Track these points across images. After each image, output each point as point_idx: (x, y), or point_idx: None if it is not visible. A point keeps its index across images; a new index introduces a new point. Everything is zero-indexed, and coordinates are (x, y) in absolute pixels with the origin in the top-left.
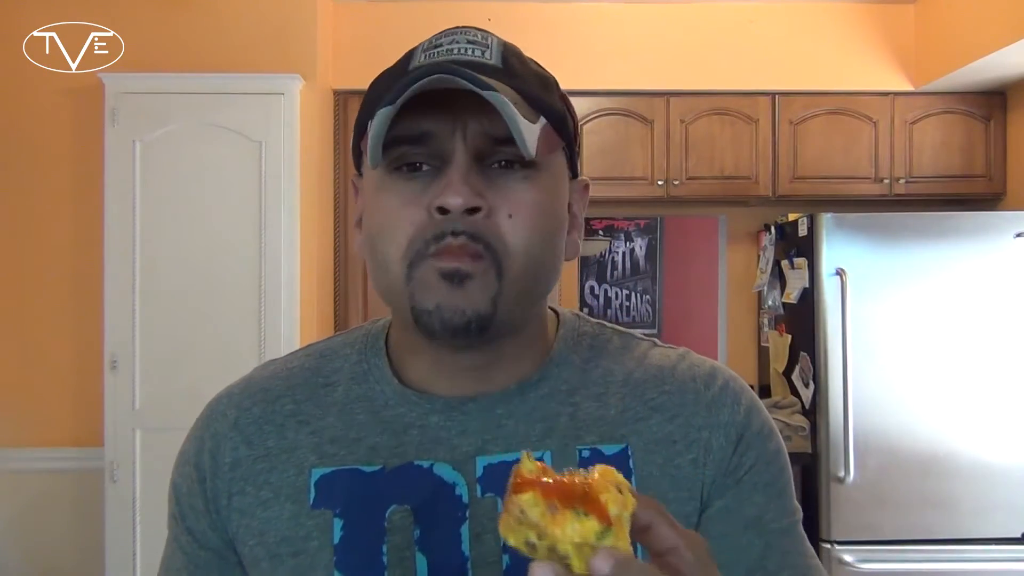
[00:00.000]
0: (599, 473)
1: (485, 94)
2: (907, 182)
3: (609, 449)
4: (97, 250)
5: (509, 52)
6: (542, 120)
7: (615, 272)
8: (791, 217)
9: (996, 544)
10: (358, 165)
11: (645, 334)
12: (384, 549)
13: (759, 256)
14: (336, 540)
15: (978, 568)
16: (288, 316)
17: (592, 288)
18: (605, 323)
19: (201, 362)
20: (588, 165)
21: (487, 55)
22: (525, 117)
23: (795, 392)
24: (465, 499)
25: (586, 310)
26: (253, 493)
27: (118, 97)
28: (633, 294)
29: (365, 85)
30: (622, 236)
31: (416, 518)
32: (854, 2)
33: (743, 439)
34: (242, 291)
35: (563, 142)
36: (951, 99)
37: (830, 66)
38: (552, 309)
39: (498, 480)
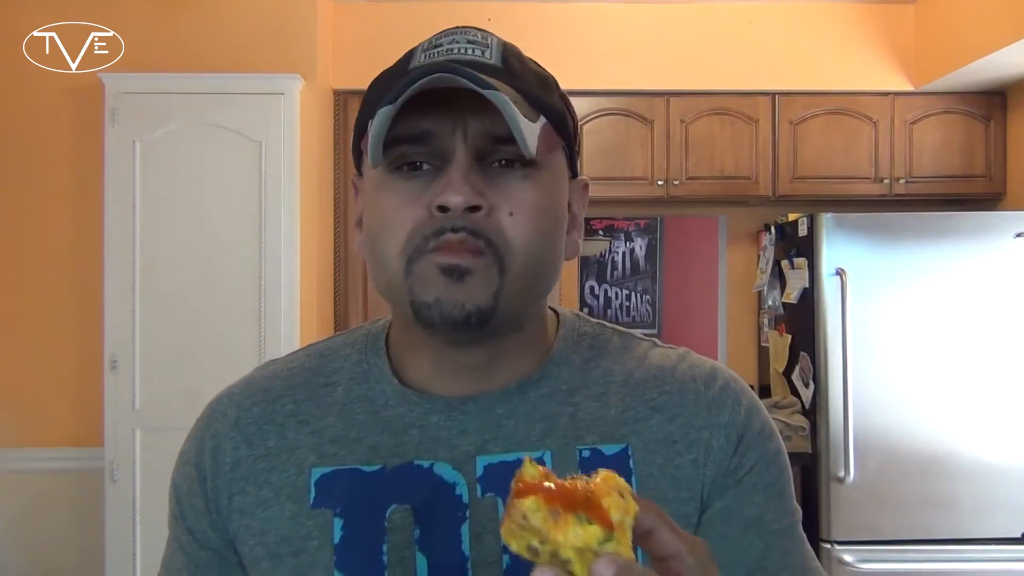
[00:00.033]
0: (601, 478)
1: (486, 93)
2: (907, 182)
3: (609, 449)
4: (97, 250)
5: (509, 52)
6: (542, 119)
7: (615, 272)
8: (791, 217)
9: (996, 544)
10: (358, 165)
11: (645, 334)
12: (384, 549)
13: (759, 256)
14: (336, 540)
15: (978, 568)
16: (288, 316)
17: (592, 288)
18: (605, 323)
19: (201, 362)
20: (588, 165)
21: (487, 55)
22: (525, 116)
23: (795, 392)
24: (465, 499)
25: (586, 310)
26: (253, 493)
27: (118, 97)
28: (633, 294)
29: (365, 85)
30: (622, 236)
31: (416, 518)
32: (854, 2)
33: (743, 440)
34: (242, 291)
35: (563, 141)
36: (951, 99)
37: (830, 66)
38: (552, 309)
39: (498, 480)
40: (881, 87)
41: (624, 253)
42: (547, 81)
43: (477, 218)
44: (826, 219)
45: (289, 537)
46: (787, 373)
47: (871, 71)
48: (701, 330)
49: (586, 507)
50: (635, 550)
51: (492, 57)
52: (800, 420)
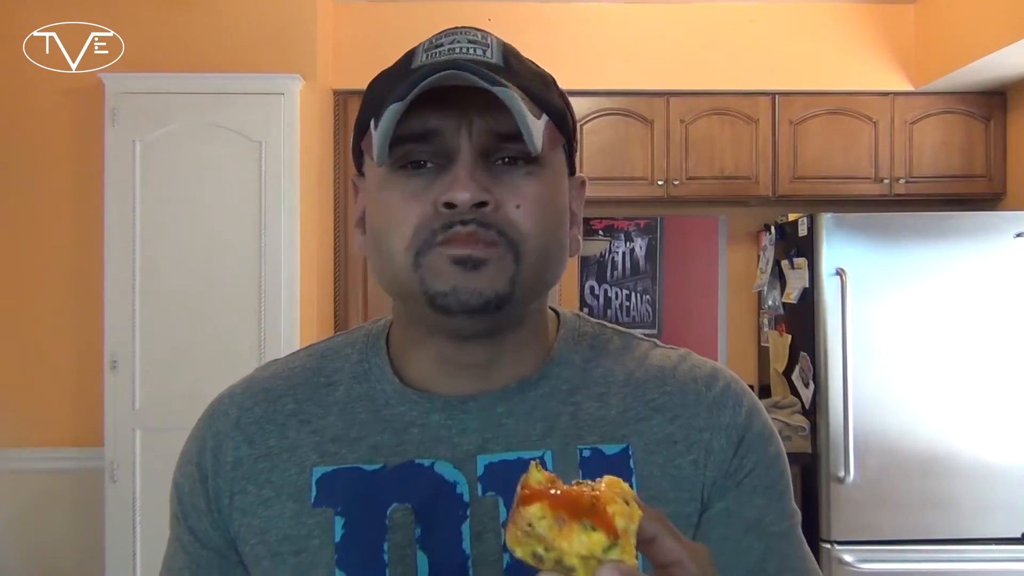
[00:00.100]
0: (606, 484)
1: (495, 90)
2: (907, 182)
3: (610, 449)
4: (97, 250)
5: (509, 51)
6: (544, 117)
7: (615, 272)
8: (791, 217)
9: (996, 544)
10: (358, 165)
11: (645, 334)
12: (385, 547)
13: (759, 256)
14: (337, 538)
15: (978, 568)
16: (288, 316)
17: (592, 288)
18: (606, 323)
19: (201, 362)
20: (588, 165)
21: (488, 54)
22: (530, 113)
23: (795, 392)
24: (466, 498)
25: (586, 310)
26: (255, 492)
27: (118, 97)
28: (633, 294)
29: (365, 85)
30: (622, 236)
31: (417, 516)
32: (854, 2)
33: (744, 441)
34: (242, 291)
35: (563, 139)
36: (951, 99)
37: (830, 66)
38: (552, 309)
39: (499, 479)
40: (881, 87)
41: (624, 253)
42: (546, 79)
43: (485, 212)
44: (826, 219)
45: (290, 536)
46: (787, 373)
47: (871, 71)
48: (701, 330)
49: (591, 514)
50: (637, 556)
51: (494, 56)
52: (800, 420)
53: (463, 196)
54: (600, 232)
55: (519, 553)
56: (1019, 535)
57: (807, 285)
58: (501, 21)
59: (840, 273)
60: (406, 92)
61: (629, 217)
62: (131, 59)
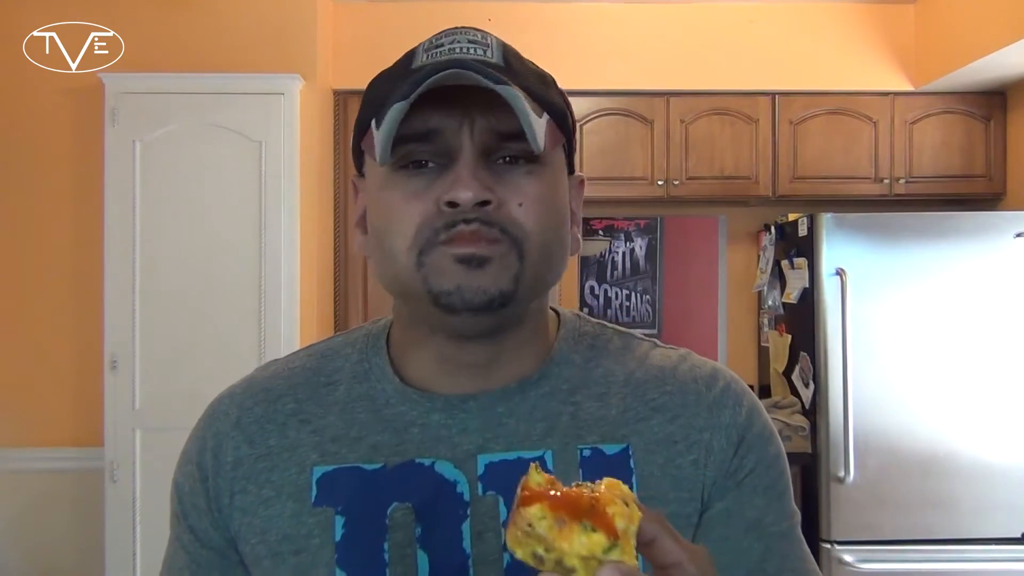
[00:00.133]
0: (606, 486)
1: (499, 88)
2: (907, 182)
3: (610, 449)
4: (97, 250)
5: (509, 51)
6: (545, 116)
7: (615, 272)
8: (791, 217)
9: (996, 544)
10: (358, 165)
11: (645, 334)
12: (385, 547)
13: (759, 256)
14: (338, 538)
15: (978, 568)
16: (288, 316)
17: (592, 288)
18: (606, 323)
19: (201, 362)
20: (588, 165)
21: (488, 54)
22: (532, 112)
23: (795, 392)
24: (466, 497)
25: (586, 310)
26: (255, 492)
27: (118, 97)
28: (633, 294)
29: (365, 85)
30: (622, 236)
31: (417, 516)
32: (854, 2)
33: (744, 441)
34: (242, 291)
35: (564, 138)
36: (951, 99)
37: (830, 66)
38: (553, 309)
39: (499, 478)
40: (881, 87)
41: (624, 253)
42: (546, 79)
43: (488, 210)
44: (826, 219)
45: (291, 535)
46: (787, 373)
47: (871, 71)
48: (701, 330)
49: (591, 515)
50: (637, 557)
51: (494, 56)
52: (800, 420)
53: (466, 195)
54: (600, 232)
55: (519, 554)
56: (1019, 535)
57: (807, 285)
58: (501, 21)
59: (840, 273)
60: (410, 91)
61: (629, 217)
62: (131, 59)
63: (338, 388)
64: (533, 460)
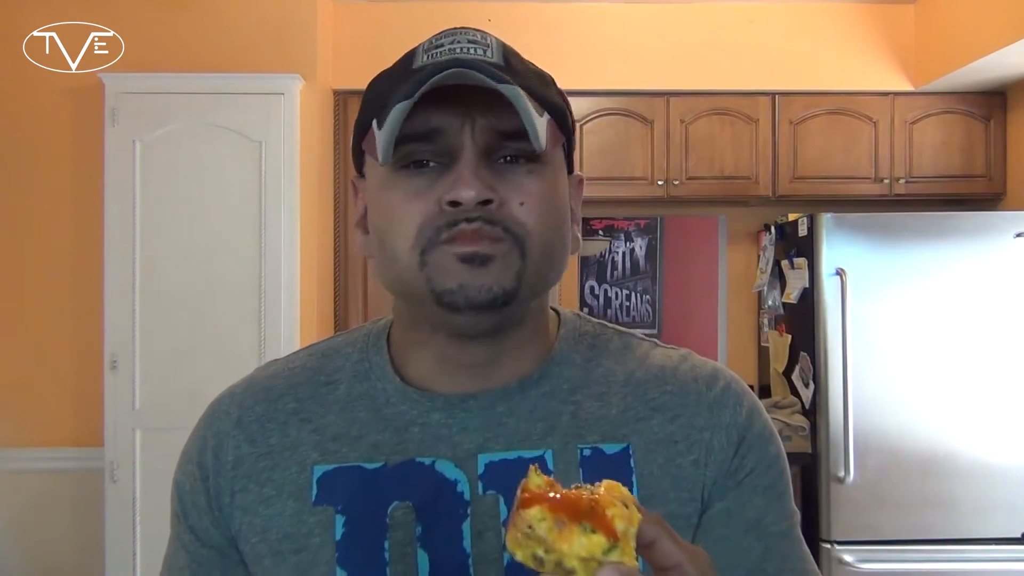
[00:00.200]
0: (605, 488)
1: (501, 87)
2: (907, 182)
3: (610, 448)
4: (97, 250)
5: (508, 51)
6: (546, 115)
7: (615, 272)
8: (791, 217)
9: (996, 544)
10: (359, 166)
11: (645, 334)
12: (386, 545)
13: (759, 256)
14: (338, 536)
15: (978, 568)
16: (288, 316)
17: (592, 288)
18: (606, 323)
19: (201, 362)
20: (588, 165)
21: (488, 54)
22: (534, 111)
23: (795, 392)
24: (467, 496)
25: (586, 310)
26: (255, 490)
27: (118, 97)
28: (633, 294)
29: (365, 85)
30: (622, 236)
31: (418, 515)
32: (854, 2)
33: (744, 441)
34: (242, 291)
35: (564, 137)
36: (951, 99)
37: (830, 66)
38: (553, 309)
39: (499, 477)
40: (881, 87)
41: (624, 253)
42: (546, 79)
43: (490, 209)
44: (826, 219)
45: (291, 534)
46: (787, 373)
47: (871, 71)
48: (701, 330)
49: (590, 517)
50: (637, 559)
51: (494, 56)
52: (800, 420)
53: (468, 194)
54: (600, 232)
55: (519, 556)
56: (1019, 535)
57: (807, 285)
58: (501, 21)
59: (840, 273)
60: (412, 90)
61: (629, 217)
62: (131, 59)
63: (339, 387)
64: (533, 459)
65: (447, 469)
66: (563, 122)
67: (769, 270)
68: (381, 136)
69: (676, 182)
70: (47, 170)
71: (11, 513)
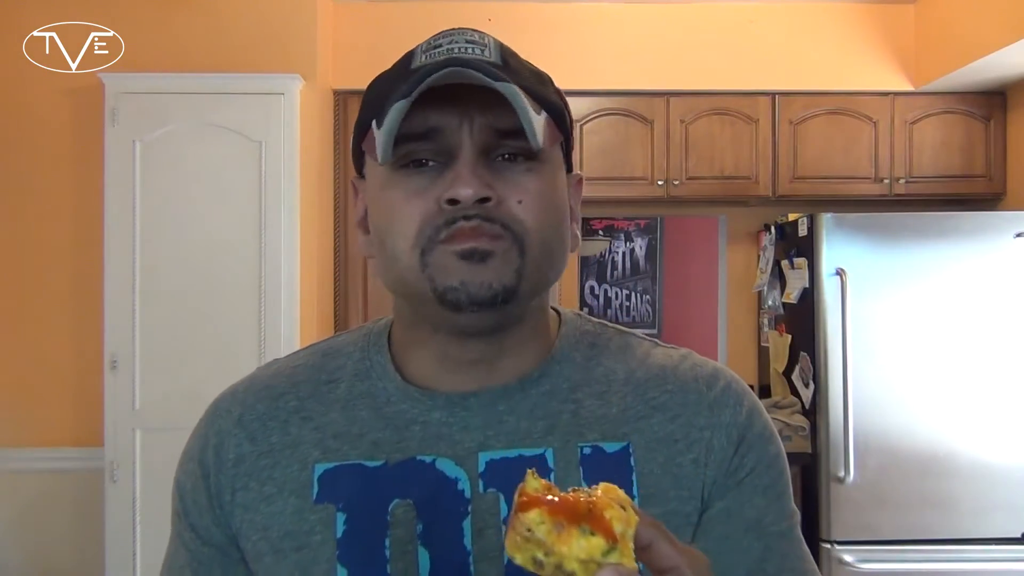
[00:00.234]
0: (602, 490)
1: (498, 85)
2: (907, 182)
3: (611, 447)
4: (97, 250)
5: (506, 51)
6: (544, 113)
7: (615, 272)
8: (791, 217)
9: (996, 544)
10: (359, 167)
11: (646, 334)
12: (387, 543)
13: (759, 256)
14: (339, 534)
15: (978, 568)
16: (288, 316)
17: (592, 288)
18: (607, 322)
19: (201, 362)
20: (588, 165)
21: (486, 53)
22: (531, 109)
23: (795, 392)
24: (467, 494)
25: (586, 310)
26: (256, 488)
27: (118, 97)
28: (633, 294)
29: (365, 85)
30: (622, 236)
31: (419, 512)
32: (854, 2)
33: (744, 440)
34: (242, 291)
35: (562, 136)
36: (951, 99)
37: (830, 66)
38: (553, 308)
39: (500, 476)
40: (881, 87)
41: (624, 253)
42: (544, 78)
43: (488, 207)
44: (826, 219)
45: (292, 532)
46: (787, 373)
47: (871, 71)
48: (701, 330)
49: (589, 519)
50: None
51: (492, 56)
52: (800, 420)
53: (466, 192)
54: (600, 232)
55: (519, 559)
56: (1019, 535)
57: (807, 285)
58: (501, 21)
59: (840, 273)
60: (410, 90)
61: (629, 217)
62: (131, 59)
63: (340, 386)
64: (534, 457)
65: (448, 467)
66: (561, 121)
67: (769, 270)
68: (380, 136)
69: (676, 182)
70: (47, 170)
71: (11, 513)
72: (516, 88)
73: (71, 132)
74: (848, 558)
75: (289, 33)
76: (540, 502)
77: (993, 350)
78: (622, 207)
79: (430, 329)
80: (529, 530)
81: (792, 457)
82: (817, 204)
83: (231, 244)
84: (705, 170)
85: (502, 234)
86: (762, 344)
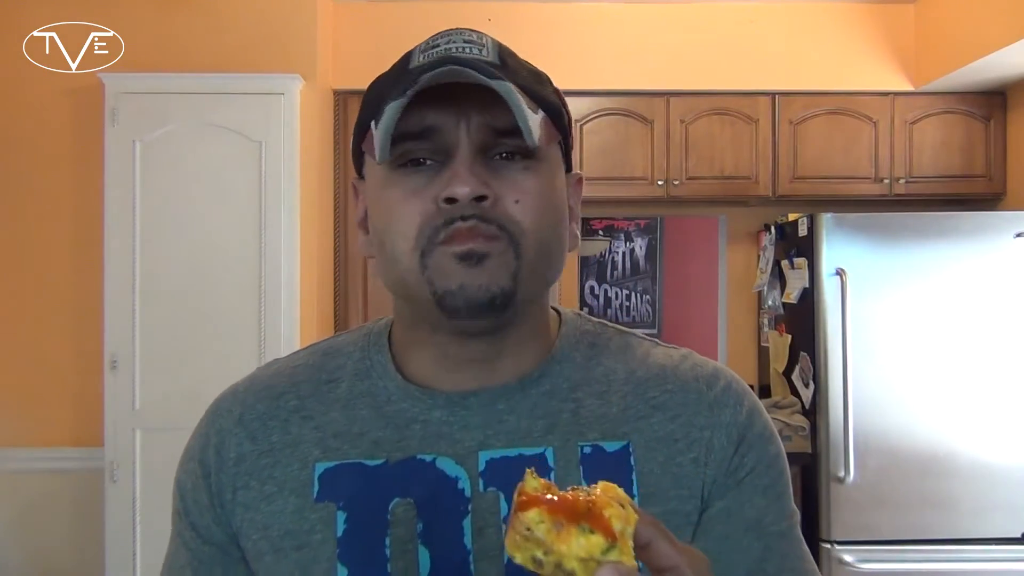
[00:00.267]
0: (601, 489)
1: (492, 83)
2: (907, 182)
3: (611, 446)
4: (97, 250)
5: (504, 51)
6: (540, 112)
7: (615, 272)
8: (791, 217)
9: (996, 544)
10: (359, 168)
11: (646, 334)
12: (387, 542)
13: (759, 256)
14: (339, 533)
15: (978, 568)
16: (288, 316)
17: (592, 288)
18: (607, 322)
19: (201, 362)
20: (588, 165)
21: (484, 53)
22: (527, 107)
23: (795, 392)
24: (468, 493)
25: (586, 310)
26: (257, 488)
27: (118, 97)
28: (633, 294)
29: (365, 85)
30: (622, 236)
31: (419, 511)
32: (854, 2)
33: (744, 440)
34: (242, 291)
35: (559, 135)
36: (951, 99)
37: (830, 66)
38: (553, 308)
39: (500, 475)
40: (881, 87)
41: (624, 253)
42: (542, 77)
43: (485, 207)
44: (826, 219)
45: (292, 531)
46: (787, 373)
47: (871, 71)
48: (701, 330)
49: (588, 517)
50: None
51: (489, 55)
52: (800, 420)
53: (463, 190)
54: (600, 232)
55: (519, 559)
56: (1019, 535)
57: (807, 285)
58: (501, 21)
59: (840, 273)
60: (406, 88)
61: (629, 217)
62: (131, 59)
63: (340, 385)
64: (534, 456)
65: (448, 466)
66: (558, 120)
67: (769, 270)
68: (377, 135)
69: (676, 182)
70: (47, 170)
71: (11, 513)
72: (511, 86)
73: (71, 132)
74: (848, 558)
75: (289, 33)
76: (539, 501)
77: (993, 350)
78: (622, 207)
79: (430, 329)
80: (528, 529)
81: (792, 457)
82: (817, 204)
83: (231, 244)
84: (705, 170)
85: (498, 235)
86: (762, 344)
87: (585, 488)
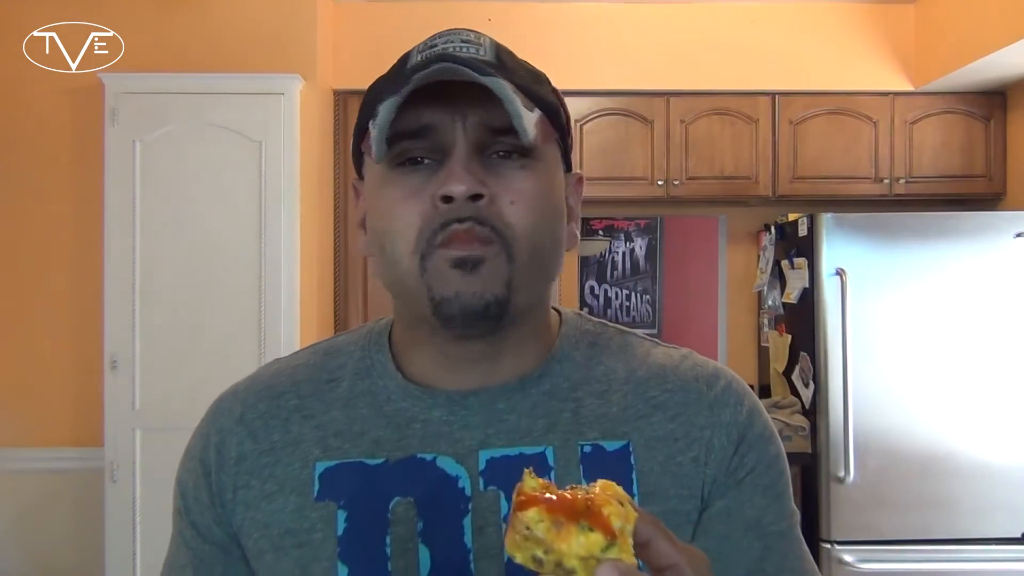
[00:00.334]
0: (600, 487)
1: (487, 81)
2: (907, 182)
3: (611, 445)
4: (97, 250)
5: (502, 51)
6: (537, 110)
7: (615, 272)
8: (791, 217)
9: (996, 544)
10: (359, 168)
11: (646, 334)
12: (387, 541)
13: (759, 256)
14: (340, 532)
15: (978, 568)
16: (288, 316)
17: (592, 288)
18: (607, 322)
19: (201, 362)
20: (588, 165)
21: (481, 52)
22: (523, 105)
23: (795, 392)
24: (468, 492)
25: (586, 310)
26: (258, 486)
27: (118, 97)
28: (633, 294)
29: (365, 85)
30: (622, 236)
31: (419, 510)
32: (854, 2)
33: (744, 440)
34: (242, 291)
35: (557, 133)
36: (951, 99)
37: (830, 66)
38: (554, 308)
39: (500, 474)
40: (881, 87)
41: (624, 253)
42: (539, 77)
43: (480, 207)
44: (826, 219)
45: (293, 529)
46: (787, 373)
47: (871, 71)
48: (701, 330)
49: (587, 516)
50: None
51: (486, 55)
52: (800, 420)
53: (459, 188)
54: (600, 232)
55: (519, 558)
56: (1019, 535)
57: (807, 285)
58: (500, 21)
59: (840, 273)
60: (402, 87)
61: (629, 217)
62: (131, 59)
63: (341, 384)
64: (534, 455)
65: (448, 465)
66: (556, 119)
67: (769, 270)
68: (373, 133)
69: (676, 182)
70: (47, 170)
71: (11, 513)
72: (504, 83)
73: (71, 132)
74: (848, 558)
75: (289, 33)
76: (538, 501)
77: (993, 350)
78: (622, 207)
79: (430, 329)
80: (528, 528)
81: (792, 457)
82: (817, 204)
83: (231, 244)
84: (705, 170)
85: (493, 239)
86: (762, 344)
87: (584, 487)
